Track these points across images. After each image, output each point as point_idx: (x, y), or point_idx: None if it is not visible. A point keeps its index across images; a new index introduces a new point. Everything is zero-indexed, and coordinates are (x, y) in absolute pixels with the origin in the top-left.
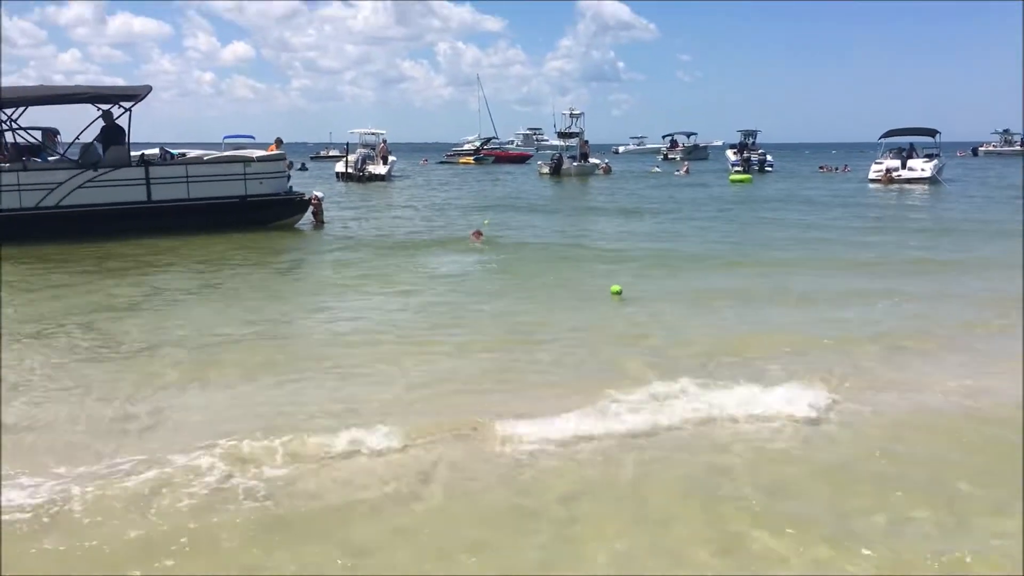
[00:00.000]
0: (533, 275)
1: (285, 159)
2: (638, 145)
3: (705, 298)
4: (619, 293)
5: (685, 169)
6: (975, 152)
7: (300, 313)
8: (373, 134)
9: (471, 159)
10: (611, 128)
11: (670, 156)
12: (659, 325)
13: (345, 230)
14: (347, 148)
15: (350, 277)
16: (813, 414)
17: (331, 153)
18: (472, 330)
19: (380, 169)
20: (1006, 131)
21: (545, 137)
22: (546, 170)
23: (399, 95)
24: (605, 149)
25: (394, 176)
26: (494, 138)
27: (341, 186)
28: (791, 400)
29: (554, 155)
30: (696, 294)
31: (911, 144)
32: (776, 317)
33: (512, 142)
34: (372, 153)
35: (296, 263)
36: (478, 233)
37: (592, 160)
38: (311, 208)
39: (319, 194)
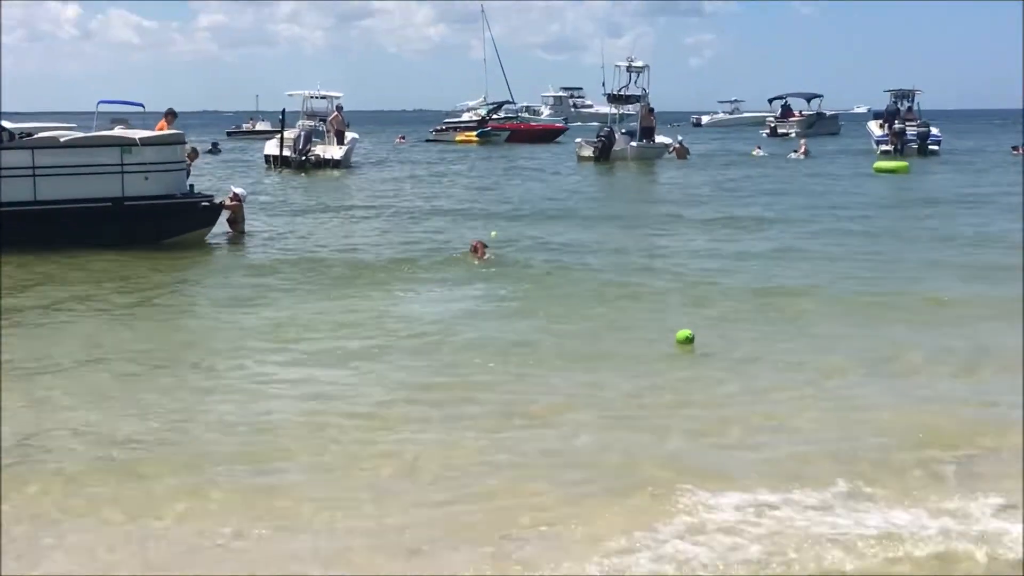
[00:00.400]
0: (568, 315)
1: (183, 142)
2: (731, 113)
3: (837, 353)
4: (690, 340)
5: (803, 150)
6: None
7: (199, 391)
8: (322, 98)
9: (473, 135)
10: (689, 86)
11: (781, 130)
12: (764, 397)
13: (276, 247)
14: (282, 120)
15: (278, 327)
16: None
17: (257, 127)
18: (469, 413)
19: (333, 152)
20: None
21: (587, 102)
22: (588, 152)
23: (362, 38)
24: (680, 119)
25: (355, 163)
26: (508, 103)
27: (273, 178)
28: None
29: (601, 129)
30: (818, 349)
31: None
32: (961, 391)
33: (536, 109)
34: (320, 127)
35: (191, 304)
36: (480, 247)
37: (660, 138)
38: (225, 213)
39: (239, 191)
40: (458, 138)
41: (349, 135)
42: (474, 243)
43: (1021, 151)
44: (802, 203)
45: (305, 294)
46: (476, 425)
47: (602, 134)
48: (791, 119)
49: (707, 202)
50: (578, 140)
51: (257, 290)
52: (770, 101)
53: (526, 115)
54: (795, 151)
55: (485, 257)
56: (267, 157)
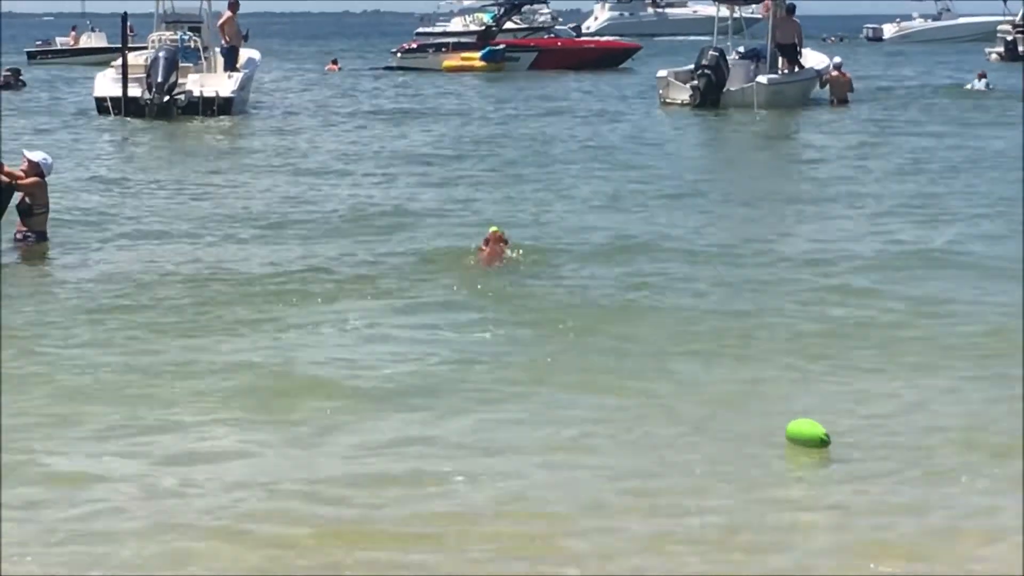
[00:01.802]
0: (637, 373)
1: None
2: (936, 17)
3: None
4: (824, 443)
5: None
6: None
7: None
8: None
9: (475, 57)
10: None
11: None
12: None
13: (105, 266)
14: (123, 30)
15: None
16: None
17: (83, 41)
18: None
19: (218, 85)
20: None
21: None
22: (683, 94)
23: None
24: (845, 30)
25: (255, 104)
26: (534, 1)
27: (109, 135)
28: None
29: (705, 52)
30: None
31: None
32: None
33: (585, 14)
34: (192, 43)
35: None
36: (496, 242)
37: (810, 58)
38: (15, 198)
39: (36, 158)
40: (446, 63)
41: (245, 54)
42: (491, 235)
43: None
44: None
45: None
46: None
47: (707, 61)
48: None
49: (889, 175)
50: (663, 73)
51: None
52: None
53: (562, 27)
54: None
55: (502, 256)
56: (100, 101)
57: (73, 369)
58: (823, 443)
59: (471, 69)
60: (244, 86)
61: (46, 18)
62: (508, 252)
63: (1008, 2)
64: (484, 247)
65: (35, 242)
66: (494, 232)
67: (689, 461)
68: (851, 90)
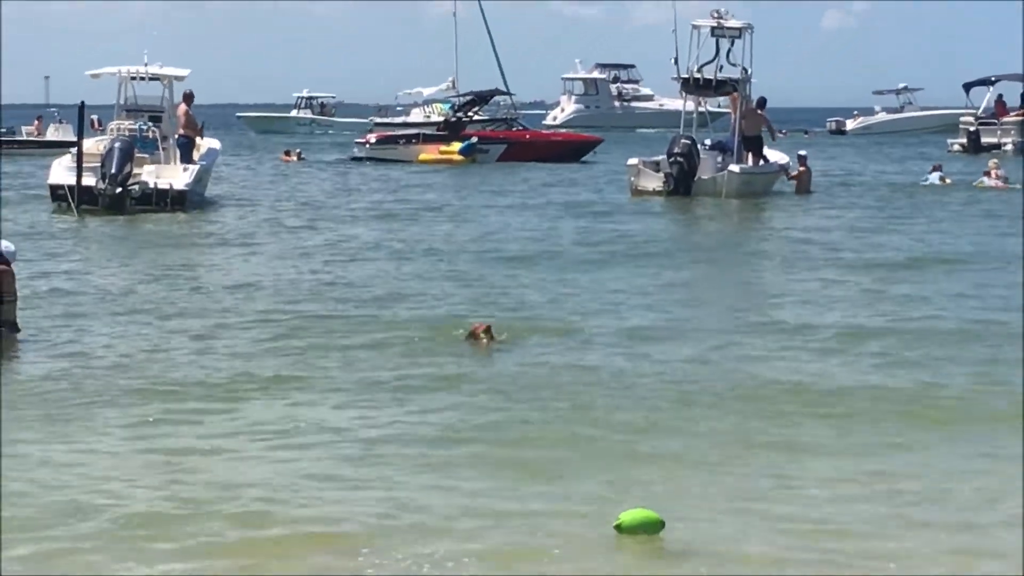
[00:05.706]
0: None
1: None
2: (899, 110)
3: None
4: (655, 527)
5: (995, 175)
6: None
7: None
8: (154, 79)
9: (452, 150)
10: (824, 66)
11: (987, 139)
12: None
13: (67, 357)
14: (80, 119)
15: None
16: None
17: (50, 133)
18: None
19: (173, 176)
20: None
21: (644, 90)
22: (655, 182)
23: None
24: (808, 123)
25: (213, 196)
26: (498, 92)
27: (63, 224)
28: None
29: (676, 141)
30: None
31: None
32: None
33: (552, 106)
34: (151, 135)
35: None
36: (483, 333)
37: (772, 154)
38: None
39: (1, 247)
40: (423, 156)
41: (206, 144)
42: (475, 327)
43: None
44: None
45: None
46: None
47: (679, 149)
48: (1006, 120)
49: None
50: (633, 161)
51: None
52: (966, 89)
53: (523, 110)
54: (985, 175)
55: (490, 340)
56: (54, 188)
57: None
58: (653, 528)
59: (449, 162)
60: (200, 178)
61: (51, 109)
62: (493, 341)
63: (969, 92)
64: (475, 331)
65: (9, 332)
66: (481, 324)
67: None
68: (809, 182)
